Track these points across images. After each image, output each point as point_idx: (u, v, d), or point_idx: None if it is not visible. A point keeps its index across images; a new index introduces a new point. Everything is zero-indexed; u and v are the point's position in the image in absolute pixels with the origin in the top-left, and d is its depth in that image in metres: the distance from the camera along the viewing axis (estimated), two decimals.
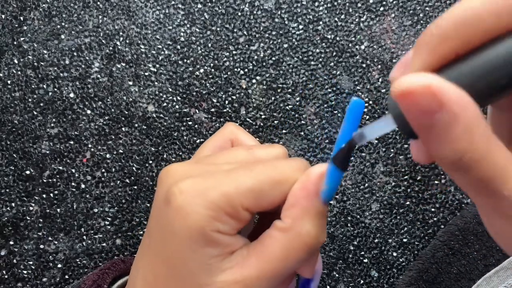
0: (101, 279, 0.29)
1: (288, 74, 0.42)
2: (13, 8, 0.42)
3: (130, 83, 0.42)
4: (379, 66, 0.42)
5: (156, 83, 0.42)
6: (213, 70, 0.42)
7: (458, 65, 0.15)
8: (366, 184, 0.41)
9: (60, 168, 0.41)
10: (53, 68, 0.42)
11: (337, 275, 0.40)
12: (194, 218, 0.20)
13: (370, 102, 0.42)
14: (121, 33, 0.42)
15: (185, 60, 0.42)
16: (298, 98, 0.42)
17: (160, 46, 0.42)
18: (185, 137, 0.41)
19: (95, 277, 0.29)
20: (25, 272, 0.40)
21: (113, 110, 0.42)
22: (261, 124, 0.42)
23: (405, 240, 0.40)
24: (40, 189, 0.41)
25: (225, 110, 0.42)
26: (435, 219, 0.41)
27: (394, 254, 0.40)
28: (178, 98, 0.42)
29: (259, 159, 0.23)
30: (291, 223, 0.20)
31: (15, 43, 0.42)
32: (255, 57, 0.42)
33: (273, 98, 0.42)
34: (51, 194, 0.41)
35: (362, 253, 0.40)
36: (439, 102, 0.13)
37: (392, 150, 0.41)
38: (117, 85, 0.42)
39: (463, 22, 0.14)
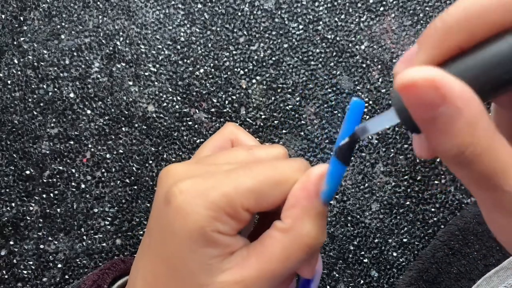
0: (101, 279, 0.29)
1: (288, 74, 0.42)
2: (13, 8, 0.42)
3: (130, 83, 0.42)
4: (379, 66, 0.42)
5: (156, 83, 0.42)
6: (213, 70, 0.42)
7: (462, 59, 0.15)
8: (366, 184, 0.41)
9: (60, 168, 0.41)
10: (53, 68, 0.42)
11: (337, 275, 0.40)
12: (194, 218, 0.20)
13: (370, 102, 0.42)
14: (121, 33, 0.42)
15: (185, 60, 0.42)
16: (298, 98, 0.42)
17: (160, 46, 0.42)
18: (185, 137, 0.41)
19: (95, 277, 0.29)
20: (25, 272, 0.40)
21: (113, 110, 0.42)
22: (261, 124, 0.42)
23: (405, 240, 0.40)
24: (40, 189, 0.41)
25: (225, 110, 0.42)
26: (435, 219, 0.41)
27: (394, 254, 0.40)
28: (178, 98, 0.42)
29: (259, 160, 0.23)
30: (291, 224, 0.20)
31: (15, 43, 0.42)
32: (255, 57, 0.42)
33: (273, 98, 0.42)
34: (51, 194, 0.41)
35: (362, 253, 0.40)
36: (442, 96, 0.13)
37: (392, 150, 0.41)
38: (117, 85, 0.42)
39: (469, 15, 0.14)
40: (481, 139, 0.14)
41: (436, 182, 0.41)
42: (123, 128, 0.41)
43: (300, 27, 0.42)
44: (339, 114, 0.41)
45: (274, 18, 0.42)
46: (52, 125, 0.41)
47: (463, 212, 0.39)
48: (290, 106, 0.42)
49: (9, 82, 0.42)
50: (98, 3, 0.42)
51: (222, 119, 0.41)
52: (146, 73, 0.42)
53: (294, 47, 0.42)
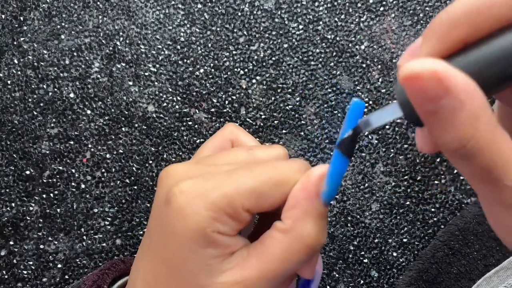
0: (101, 280, 0.29)
1: (288, 74, 0.42)
2: (13, 8, 0.42)
3: (130, 83, 0.42)
4: (379, 66, 0.42)
5: (156, 83, 0.42)
6: (213, 70, 0.42)
7: (467, 53, 0.15)
8: (366, 184, 0.41)
9: (60, 168, 0.41)
10: (53, 68, 0.42)
11: (337, 275, 0.40)
12: (195, 218, 0.20)
13: (370, 102, 0.42)
14: (121, 33, 0.42)
15: (185, 60, 0.42)
16: (298, 98, 0.42)
17: (160, 46, 0.42)
18: (185, 137, 0.41)
19: (95, 277, 0.29)
20: (25, 272, 0.40)
21: (113, 110, 0.42)
22: (261, 124, 0.42)
23: (405, 240, 0.41)
24: (40, 189, 0.41)
25: (225, 110, 0.42)
26: (435, 219, 0.41)
27: (394, 254, 0.40)
28: (178, 98, 0.42)
29: (259, 160, 0.23)
30: (291, 224, 0.20)
31: (15, 43, 0.42)
32: (255, 57, 0.42)
33: (273, 98, 0.42)
34: (51, 194, 0.41)
35: (362, 253, 0.40)
36: (445, 88, 0.13)
37: (392, 150, 0.41)
38: (117, 85, 0.42)
39: (474, 9, 0.14)
40: (483, 132, 0.14)
41: (436, 182, 0.41)
42: (123, 128, 0.41)
43: (300, 27, 0.42)
44: (339, 114, 0.41)
45: (274, 18, 0.42)
46: (52, 125, 0.41)
47: (463, 212, 0.39)
48: (290, 106, 0.42)
49: (9, 82, 0.42)
50: (98, 3, 0.42)
51: (222, 119, 0.41)
52: (146, 73, 0.42)
53: (294, 47, 0.42)
